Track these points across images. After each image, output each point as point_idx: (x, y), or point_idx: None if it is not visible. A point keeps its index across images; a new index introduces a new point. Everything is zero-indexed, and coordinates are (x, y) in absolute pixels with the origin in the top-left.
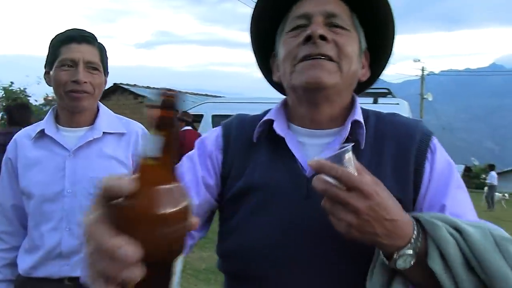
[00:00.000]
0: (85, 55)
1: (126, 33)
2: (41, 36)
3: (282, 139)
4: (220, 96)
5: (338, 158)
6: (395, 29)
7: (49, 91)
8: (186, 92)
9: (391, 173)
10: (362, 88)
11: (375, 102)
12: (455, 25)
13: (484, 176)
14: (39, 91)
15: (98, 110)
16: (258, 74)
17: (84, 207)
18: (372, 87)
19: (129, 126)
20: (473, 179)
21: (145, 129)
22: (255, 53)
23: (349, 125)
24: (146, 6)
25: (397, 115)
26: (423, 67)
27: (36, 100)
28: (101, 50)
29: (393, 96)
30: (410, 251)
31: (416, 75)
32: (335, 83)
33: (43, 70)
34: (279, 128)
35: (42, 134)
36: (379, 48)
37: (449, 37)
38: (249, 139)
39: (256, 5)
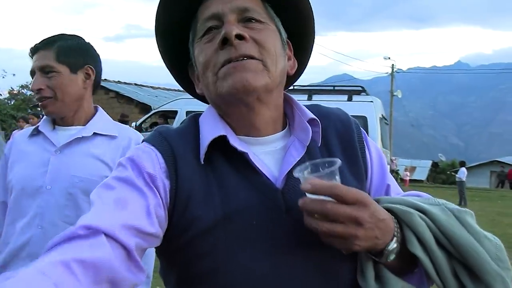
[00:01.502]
0: (38, 63)
1: (94, 25)
2: (6, 28)
3: (240, 154)
4: None
5: (331, 175)
6: (312, 9)
7: (14, 84)
8: (158, 88)
9: (347, 168)
10: (290, 81)
11: (350, 99)
12: (422, 24)
13: (449, 171)
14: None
15: (96, 112)
16: None
17: (60, 205)
18: (346, 84)
19: (122, 131)
20: (439, 174)
21: (140, 136)
22: (169, 68)
23: (308, 125)
24: None
25: (320, 105)
26: (393, 65)
27: (0, 94)
28: (62, 49)
29: (367, 94)
30: (395, 244)
31: (386, 73)
32: (265, 83)
33: (8, 63)
34: (237, 143)
35: (38, 131)
36: (300, 34)
37: (416, 35)
38: (194, 160)
39: (157, 17)
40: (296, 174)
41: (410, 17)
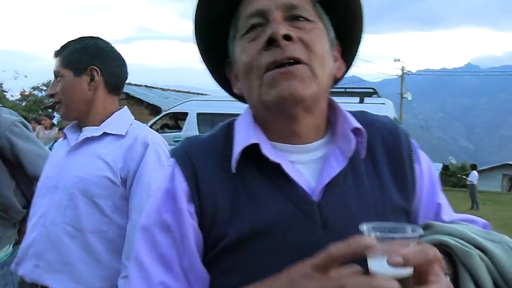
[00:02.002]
0: (54, 68)
1: (104, 28)
2: (19, 30)
3: (274, 164)
4: (201, 94)
5: (407, 242)
6: (362, 7)
7: (26, 86)
8: (168, 89)
9: (392, 182)
10: (334, 81)
11: (361, 101)
12: (431, 26)
13: (460, 175)
14: (15, 86)
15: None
16: None
17: (62, 205)
18: (358, 86)
19: (131, 130)
20: (450, 177)
21: (152, 136)
22: (206, 64)
23: (352, 135)
24: (125, 0)
25: (366, 112)
26: (403, 67)
27: (12, 96)
28: (67, 53)
29: (379, 96)
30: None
31: (396, 75)
32: (313, 92)
33: (20, 65)
34: (269, 152)
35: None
36: (348, 34)
37: (426, 37)
38: (223, 170)
39: (196, 11)
40: (365, 231)
41: (419, 19)
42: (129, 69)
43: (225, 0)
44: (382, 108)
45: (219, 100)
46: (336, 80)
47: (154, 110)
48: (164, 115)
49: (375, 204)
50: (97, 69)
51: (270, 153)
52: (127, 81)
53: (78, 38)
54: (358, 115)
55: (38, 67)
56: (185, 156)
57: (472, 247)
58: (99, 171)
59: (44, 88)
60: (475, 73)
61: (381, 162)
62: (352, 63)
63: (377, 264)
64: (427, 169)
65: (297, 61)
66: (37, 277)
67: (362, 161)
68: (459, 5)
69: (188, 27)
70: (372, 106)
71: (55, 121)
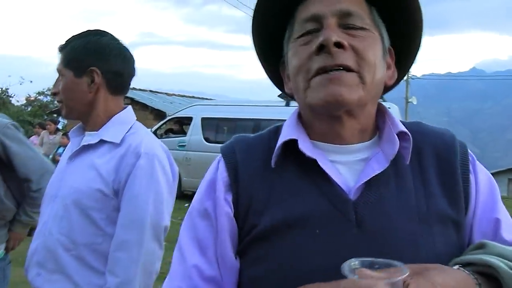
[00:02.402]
0: (57, 66)
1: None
2: (23, 35)
3: (312, 160)
4: (205, 98)
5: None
6: (422, 14)
7: (31, 91)
8: (173, 94)
9: (441, 191)
10: (387, 89)
11: None
12: (437, 30)
13: None
14: (21, 91)
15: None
16: (242, 75)
17: (58, 215)
18: None
19: (127, 138)
20: None
21: (147, 144)
22: (261, 62)
23: (396, 138)
24: (130, 6)
25: (421, 123)
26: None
27: (18, 101)
28: (69, 51)
29: (384, 100)
30: None
31: None
32: (358, 98)
33: (26, 70)
34: (306, 148)
35: None
36: (405, 42)
37: (431, 41)
38: (263, 165)
39: (255, 9)
40: (345, 272)
41: (424, 23)
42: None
43: (283, 2)
44: None
45: (223, 105)
46: (388, 88)
47: (159, 115)
48: (169, 120)
49: (418, 210)
50: (98, 70)
51: (307, 149)
52: (131, 86)
53: (82, 33)
54: (412, 124)
55: (43, 73)
56: (230, 150)
57: None
58: (93, 183)
59: (49, 93)
60: (481, 77)
61: (430, 170)
62: (407, 72)
63: None
64: (485, 181)
65: (346, 68)
66: (39, 285)
67: (409, 166)
68: (464, 9)
69: (192, 32)
70: None
71: (60, 126)
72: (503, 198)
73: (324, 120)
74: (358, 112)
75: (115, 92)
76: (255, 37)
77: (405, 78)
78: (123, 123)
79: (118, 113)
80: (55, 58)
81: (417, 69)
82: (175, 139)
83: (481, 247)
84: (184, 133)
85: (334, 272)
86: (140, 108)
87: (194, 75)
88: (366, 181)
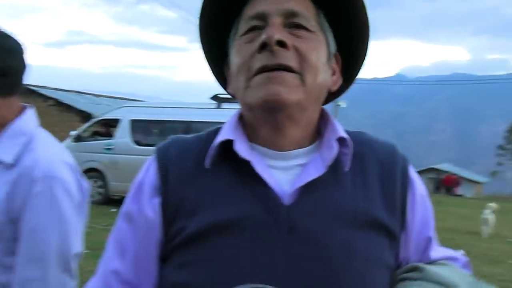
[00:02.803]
0: None
1: (35, 31)
2: None
3: (247, 163)
4: (137, 100)
5: None
6: (369, 25)
7: None
8: (101, 95)
9: (380, 198)
10: (331, 97)
11: None
12: None
13: None
14: None
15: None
16: (176, 77)
17: None
18: None
19: (24, 156)
20: None
21: (43, 166)
22: (208, 62)
23: (335, 144)
24: (57, 3)
25: (364, 133)
26: None
27: None
28: None
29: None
30: None
31: None
32: (298, 99)
33: None
34: (241, 149)
35: None
36: (351, 50)
37: None
38: (197, 166)
39: (202, 8)
40: None
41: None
42: (62, 74)
43: (230, 1)
44: None
45: (153, 107)
46: (334, 95)
47: (85, 116)
48: (95, 122)
49: (354, 216)
50: None
51: (243, 151)
52: (55, 87)
53: None
54: (356, 133)
55: None
56: (164, 150)
57: None
58: None
59: None
60: (404, 82)
61: (373, 177)
62: (353, 80)
63: None
64: (421, 199)
65: (287, 69)
66: None
67: (350, 172)
68: (390, 17)
69: (123, 31)
70: None
71: None
72: None
73: (264, 124)
74: (298, 117)
75: (3, 94)
76: (202, 37)
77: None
78: (19, 135)
79: (13, 120)
80: None
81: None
82: (102, 142)
83: (416, 270)
84: (111, 135)
85: (264, 278)
86: (65, 109)
87: (126, 75)
88: (302, 186)
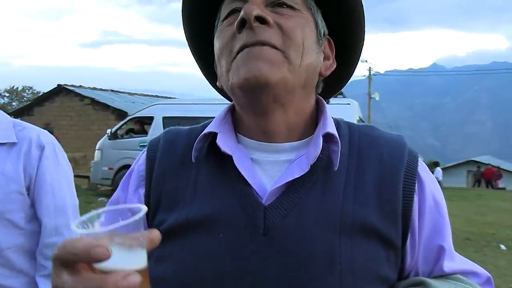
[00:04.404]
0: None
1: (71, 32)
2: None
3: (230, 157)
4: (170, 97)
5: (136, 226)
6: (363, 8)
7: None
8: (135, 94)
9: (374, 202)
10: (332, 89)
11: (327, 102)
12: (398, 27)
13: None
14: None
15: None
16: None
17: None
18: None
19: (21, 134)
20: None
21: (43, 135)
22: (196, 60)
23: (320, 140)
24: (92, 4)
25: (374, 128)
26: (370, 68)
27: None
28: None
29: (344, 96)
30: None
31: (364, 75)
32: (282, 77)
33: None
34: (224, 143)
35: None
36: (346, 35)
37: (393, 38)
38: (183, 159)
39: (183, 6)
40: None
41: (386, 20)
42: (97, 74)
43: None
44: (347, 108)
45: (185, 104)
46: (333, 86)
47: (120, 115)
48: (129, 120)
49: (341, 220)
50: None
51: (225, 144)
52: (92, 86)
53: None
54: (363, 127)
55: (0, 73)
56: (155, 142)
57: None
58: (5, 188)
59: (7, 94)
60: (440, 73)
61: (368, 176)
62: (353, 68)
63: (112, 260)
64: (432, 203)
65: (270, 45)
66: None
67: (344, 173)
68: (424, 6)
69: (156, 30)
70: (336, 107)
71: None
72: (461, 189)
73: (249, 109)
74: (285, 100)
75: None
76: (188, 36)
77: (367, 74)
78: (3, 121)
79: None
80: (13, 59)
81: (379, 65)
82: (136, 139)
83: (420, 284)
84: (145, 133)
85: (236, 277)
86: (101, 108)
87: (160, 74)
88: (286, 185)
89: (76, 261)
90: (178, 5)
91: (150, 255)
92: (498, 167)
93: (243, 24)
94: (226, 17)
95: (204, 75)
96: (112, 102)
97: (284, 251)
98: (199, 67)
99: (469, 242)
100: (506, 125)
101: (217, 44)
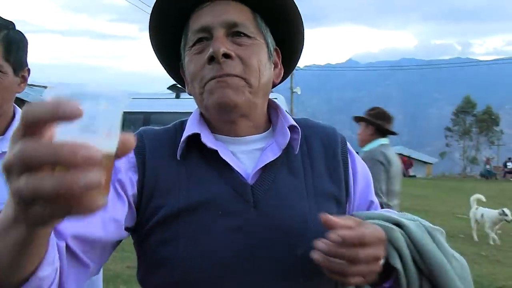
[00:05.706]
0: None
1: None
2: None
3: (213, 151)
4: None
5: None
6: (301, 18)
7: None
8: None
9: (326, 173)
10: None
11: None
12: (316, 23)
13: None
14: None
15: (14, 116)
16: (128, 66)
17: None
18: None
19: None
20: None
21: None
22: (161, 63)
23: (287, 131)
24: None
25: (309, 119)
26: None
27: None
28: (8, 42)
29: (270, 91)
30: (383, 259)
31: None
32: (245, 100)
33: None
34: (208, 140)
35: None
36: (289, 40)
37: (311, 34)
38: (169, 156)
39: (150, 19)
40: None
41: (304, 16)
42: None
43: (177, 13)
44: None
45: None
46: (275, 85)
47: None
48: None
49: (306, 190)
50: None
51: (209, 141)
52: None
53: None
54: (301, 120)
55: None
56: (138, 136)
57: (391, 224)
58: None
59: None
60: (356, 68)
61: (318, 157)
62: (293, 69)
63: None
64: (361, 169)
65: (233, 76)
66: None
67: (299, 154)
68: (340, 3)
69: (71, 20)
70: None
71: None
72: None
73: (221, 121)
74: (249, 113)
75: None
76: (154, 43)
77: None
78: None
79: (14, 112)
80: None
81: (300, 60)
82: None
83: (398, 224)
84: None
85: (238, 247)
86: (16, 103)
87: (76, 66)
88: (262, 168)
89: (40, 125)
90: None
91: (154, 238)
92: (409, 156)
93: (211, 59)
94: (193, 45)
95: (171, 76)
96: (27, 97)
97: (271, 217)
98: (166, 71)
99: None
100: (415, 117)
101: (189, 68)
